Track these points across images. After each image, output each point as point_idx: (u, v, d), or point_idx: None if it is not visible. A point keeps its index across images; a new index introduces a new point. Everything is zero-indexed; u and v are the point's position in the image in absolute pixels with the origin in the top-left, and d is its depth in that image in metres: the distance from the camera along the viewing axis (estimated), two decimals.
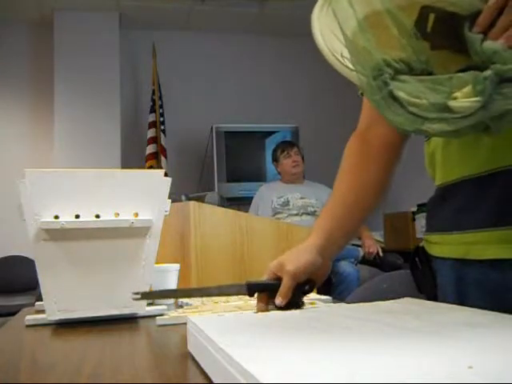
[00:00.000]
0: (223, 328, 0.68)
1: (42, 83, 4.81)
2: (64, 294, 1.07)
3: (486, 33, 0.64)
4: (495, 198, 0.83)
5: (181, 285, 1.39)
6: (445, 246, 0.93)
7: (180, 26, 5.06)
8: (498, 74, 0.61)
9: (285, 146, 4.04)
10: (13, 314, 1.39)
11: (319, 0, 0.80)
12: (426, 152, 0.99)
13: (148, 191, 1.11)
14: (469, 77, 0.63)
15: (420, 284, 1.03)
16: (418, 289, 1.03)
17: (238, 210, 2.00)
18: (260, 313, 0.92)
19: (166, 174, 1.14)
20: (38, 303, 1.27)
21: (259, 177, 4.73)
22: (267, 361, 0.48)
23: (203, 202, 1.97)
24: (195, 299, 1.27)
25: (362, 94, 1.08)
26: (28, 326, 1.07)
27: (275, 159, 4.01)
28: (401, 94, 0.66)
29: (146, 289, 1.13)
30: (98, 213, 1.08)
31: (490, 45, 0.63)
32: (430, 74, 0.68)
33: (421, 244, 1.02)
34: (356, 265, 3.71)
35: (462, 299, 0.87)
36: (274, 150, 4.06)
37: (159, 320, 1.02)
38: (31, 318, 1.10)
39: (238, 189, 4.62)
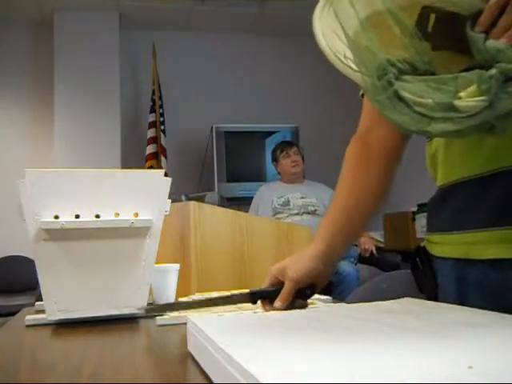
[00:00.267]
0: (223, 328, 0.68)
1: (41, 83, 4.81)
2: (64, 294, 1.07)
3: (487, 32, 0.64)
4: (496, 198, 0.83)
5: (181, 285, 1.39)
6: (445, 245, 0.93)
7: (180, 26, 5.06)
8: (503, 72, 0.61)
9: (284, 145, 4.04)
10: (13, 313, 1.39)
11: (320, 0, 0.79)
12: (428, 152, 0.99)
13: (148, 191, 1.11)
14: (473, 76, 0.63)
15: (421, 284, 1.03)
16: (418, 289, 1.03)
17: (238, 209, 1.99)
18: (260, 313, 0.92)
19: (166, 174, 1.14)
20: (37, 303, 1.27)
21: (259, 177, 4.73)
22: (267, 361, 0.48)
23: (203, 201, 1.97)
24: (195, 299, 1.27)
25: (362, 96, 1.08)
26: (28, 326, 1.07)
27: (275, 159, 4.01)
28: (406, 94, 0.66)
29: (146, 289, 1.13)
30: (98, 213, 1.08)
31: (493, 43, 0.63)
32: (433, 74, 0.68)
33: (422, 244, 1.02)
34: (356, 264, 3.71)
35: (462, 299, 0.87)
36: (274, 150, 4.06)
37: (159, 320, 1.02)
38: (31, 317, 1.10)
39: (238, 189, 4.62)
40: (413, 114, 0.66)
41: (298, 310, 0.90)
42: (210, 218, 1.67)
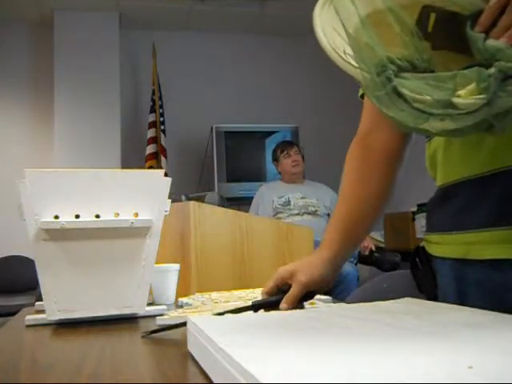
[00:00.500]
0: (223, 328, 0.68)
1: (41, 83, 4.81)
2: (64, 294, 1.07)
3: (487, 32, 0.65)
4: (496, 198, 0.83)
5: (181, 285, 1.39)
6: (445, 245, 0.93)
7: (180, 26, 5.06)
8: (502, 71, 0.61)
9: (284, 145, 4.04)
10: (13, 313, 1.39)
11: None
12: (427, 153, 0.99)
13: (148, 191, 1.11)
14: (472, 74, 0.63)
15: (420, 284, 1.03)
16: (418, 289, 1.03)
17: (238, 209, 1.99)
18: (260, 313, 0.92)
19: (166, 174, 1.14)
20: (38, 303, 1.27)
21: (259, 177, 4.73)
22: (267, 361, 0.48)
23: (203, 201, 1.97)
24: (195, 299, 1.27)
25: (361, 97, 1.08)
26: (28, 326, 1.07)
27: (275, 159, 4.01)
28: (404, 91, 0.66)
29: (146, 289, 1.13)
30: (98, 213, 1.08)
31: (492, 43, 0.63)
32: (433, 72, 0.68)
33: (421, 244, 1.02)
34: (356, 264, 3.71)
35: (462, 299, 0.87)
36: (274, 150, 4.06)
37: (159, 320, 1.02)
38: (31, 317, 1.10)
39: (238, 189, 4.62)
40: (411, 110, 0.66)
41: (298, 310, 0.90)
42: (210, 218, 1.67)
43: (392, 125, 0.71)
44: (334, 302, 1.18)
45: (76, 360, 0.78)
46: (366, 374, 0.42)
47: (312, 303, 1.03)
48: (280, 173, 4.00)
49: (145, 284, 1.12)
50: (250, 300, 1.19)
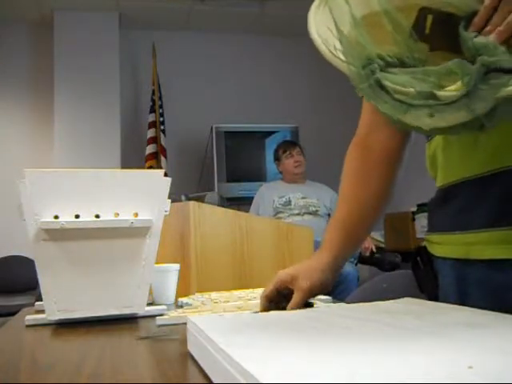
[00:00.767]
0: (223, 328, 0.68)
1: (42, 83, 4.81)
2: (64, 293, 1.07)
3: (480, 32, 0.65)
4: (496, 198, 0.83)
5: (181, 285, 1.39)
6: (446, 246, 0.93)
7: (180, 26, 5.06)
8: (484, 64, 0.61)
9: (287, 145, 4.04)
10: (13, 313, 1.39)
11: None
12: (427, 153, 0.99)
13: (148, 191, 1.11)
14: (454, 66, 0.64)
15: (421, 284, 1.03)
16: (419, 289, 1.03)
17: (238, 210, 1.99)
18: (259, 313, 0.92)
19: (165, 174, 1.14)
20: (37, 303, 1.27)
21: (259, 177, 4.73)
22: (267, 361, 0.48)
23: (203, 201, 1.97)
24: (195, 299, 1.27)
25: (362, 97, 1.08)
26: (28, 326, 1.07)
27: (277, 158, 4.01)
28: (387, 83, 0.67)
29: (146, 289, 1.13)
30: (98, 213, 1.08)
31: (480, 39, 0.64)
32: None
33: (423, 244, 1.02)
34: (356, 265, 3.72)
35: (463, 299, 0.87)
36: (276, 150, 4.06)
37: (159, 320, 1.02)
38: (31, 317, 1.10)
39: (238, 189, 4.62)
40: (392, 101, 0.66)
41: (297, 310, 0.90)
42: (210, 218, 1.67)
43: (389, 124, 0.71)
44: (333, 302, 1.18)
45: (76, 360, 0.78)
46: (366, 374, 0.42)
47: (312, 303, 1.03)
48: (281, 172, 4.00)
49: (145, 284, 1.12)
50: (249, 300, 1.19)
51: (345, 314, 0.77)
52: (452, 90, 0.63)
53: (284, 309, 0.95)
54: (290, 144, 4.10)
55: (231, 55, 5.28)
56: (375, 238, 4.24)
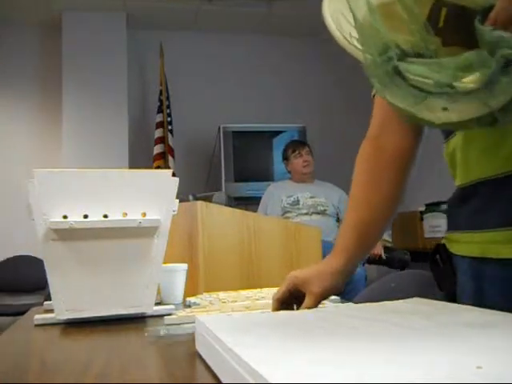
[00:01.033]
0: (231, 328, 0.68)
1: (50, 83, 4.83)
2: (72, 293, 1.07)
3: (497, 27, 0.64)
4: (510, 199, 0.83)
5: (189, 284, 1.40)
6: (464, 244, 0.93)
7: (187, 26, 5.06)
8: (503, 56, 0.61)
9: (296, 145, 4.03)
10: (22, 313, 1.40)
11: None
12: (446, 152, 0.99)
13: (156, 191, 1.12)
14: (473, 56, 0.63)
15: (439, 281, 1.03)
16: (437, 286, 1.03)
17: (246, 209, 1.99)
18: (268, 313, 0.92)
19: (173, 174, 1.14)
20: (46, 303, 1.28)
21: (267, 176, 4.73)
22: (276, 361, 0.48)
23: (211, 201, 1.97)
24: (203, 298, 1.28)
25: (373, 97, 1.07)
26: (37, 326, 1.08)
27: (286, 158, 4.01)
28: (405, 72, 0.66)
29: (154, 288, 1.14)
30: (106, 213, 1.08)
31: (498, 33, 0.63)
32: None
33: (440, 242, 1.02)
34: (363, 265, 3.71)
35: (479, 297, 0.87)
36: (285, 149, 4.05)
37: (167, 320, 1.02)
38: (40, 317, 1.10)
39: (246, 188, 4.62)
40: (409, 87, 0.66)
41: (305, 310, 0.90)
42: (218, 218, 1.67)
43: (401, 120, 0.71)
44: (342, 302, 1.18)
45: (84, 360, 0.78)
46: (375, 375, 0.42)
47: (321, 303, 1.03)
48: (289, 172, 4.00)
49: (153, 284, 1.12)
50: (257, 300, 1.19)
51: (352, 314, 0.77)
52: (470, 81, 0.63)
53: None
54: (299, 144, 4.09)
55: (238, 55, 5.28)
56: (383, 238, 4.23)
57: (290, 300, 0.97)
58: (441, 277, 1.02)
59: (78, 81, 4.66)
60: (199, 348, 0.72)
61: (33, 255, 4.36)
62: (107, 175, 1.11)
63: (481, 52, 0.63)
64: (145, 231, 1.10)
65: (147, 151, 4.73)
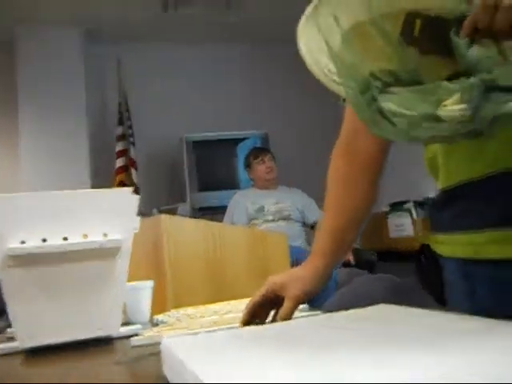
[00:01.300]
0: (196, 349, 0.67)
1: (5, 100, 4.72)
2: (34, 320, 1.04)
3: (472, 36, 0.64)
4: (503, 198, 0.84)
5: (157, 299, 1.37)
6: (453, 245, 0.93)
7: (145, 37, 5.01)
8: (483, 81, 0.62)
9: (258, 152, 4.05)
10: None
11: (305, 13, 0.79)
12: (426, 157, 1.00)
13: (116, 210, 1.10)
14: (456, 86, 0.63)
15: (426, 282, 1.04)
16: (423, 287, 1.04)
17: (212, 219, 1.99)
18: (233, 331, 0.91)
19: (136, 187, 1.13)
20: (9, 330, 1.24)
21: (232, 185, 4.71)
22: (242, 381, 0.47)
23: (175, 214, 1.96)
24: (170, 315, 1.26)
25: (343, 101, 1.08)
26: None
27: (248, 165, 4.01)
28: (390, 105, 0.66)
29: (120, 309, 1.11)
30: (66, 235, 1.05)
31: (472, 53, 0.63)
32: (419, 83, 0.68)
33: (426, 242, 1.03)
34: (336, 269, 3.72)
35: (470, 296, 0.88)
36: (247, 157, 4.06)
37: (134, 341, 1.00)
38: (2, 346, 1.07)
39: (211, 198, 4.59)
40: (395, 127, 0.66)
41: (272, 324, 0.89)
42: (182, 230, 1.66)
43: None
44: (310, 309, 1.18)
45: None
46: None
47: None
48: (252, 179, 4.01)
49: (118, 305, 1.10)
50: (225, 314, 1.18)
51: (321, 323, 0.77)
52: (453, 108, 0.63)
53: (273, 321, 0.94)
54: (262, 150, 4.10)
55: (197, 64, 5.26)
56: None
57: (269, 305, 0.98)
58: (427, 278, 1.04)
59: (34, 97, 4.57)
60: (166, 371, 0.71)
61: None
62: (65, 196, 1.08)
63: (461, 80, 0.63)
64: (106, 252, 1.07)
65: (109, 165, 4.66)
